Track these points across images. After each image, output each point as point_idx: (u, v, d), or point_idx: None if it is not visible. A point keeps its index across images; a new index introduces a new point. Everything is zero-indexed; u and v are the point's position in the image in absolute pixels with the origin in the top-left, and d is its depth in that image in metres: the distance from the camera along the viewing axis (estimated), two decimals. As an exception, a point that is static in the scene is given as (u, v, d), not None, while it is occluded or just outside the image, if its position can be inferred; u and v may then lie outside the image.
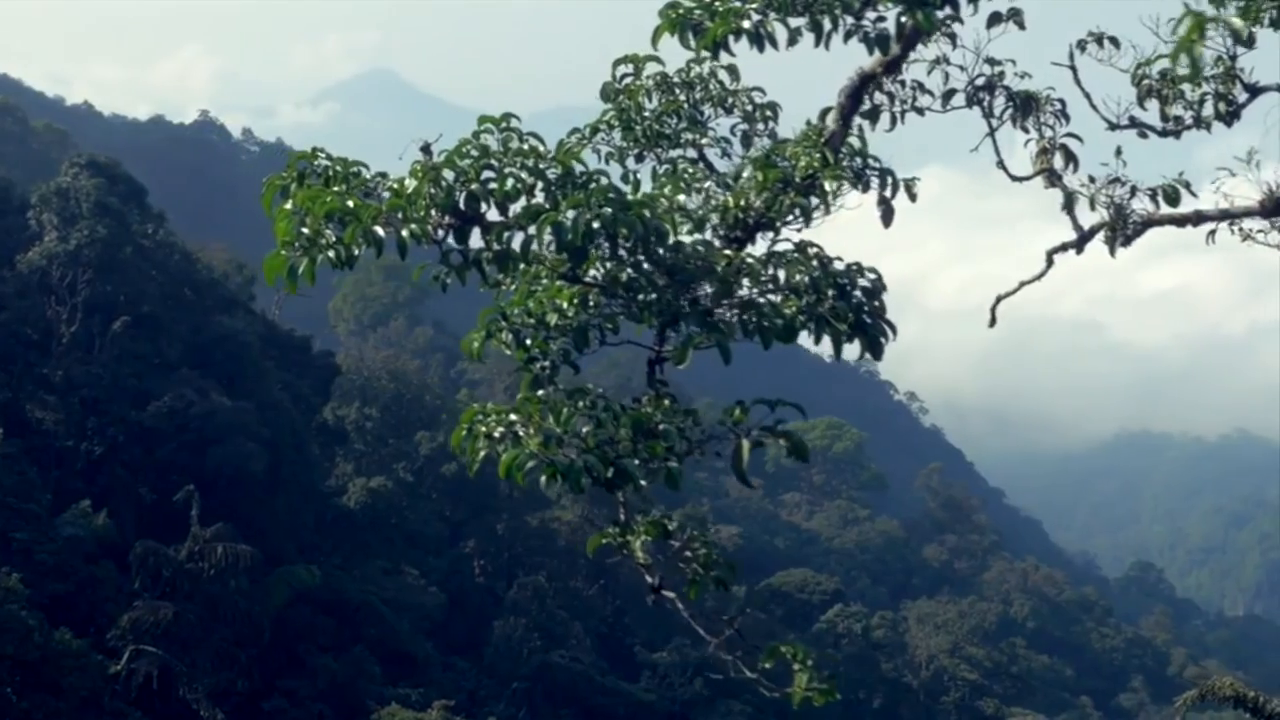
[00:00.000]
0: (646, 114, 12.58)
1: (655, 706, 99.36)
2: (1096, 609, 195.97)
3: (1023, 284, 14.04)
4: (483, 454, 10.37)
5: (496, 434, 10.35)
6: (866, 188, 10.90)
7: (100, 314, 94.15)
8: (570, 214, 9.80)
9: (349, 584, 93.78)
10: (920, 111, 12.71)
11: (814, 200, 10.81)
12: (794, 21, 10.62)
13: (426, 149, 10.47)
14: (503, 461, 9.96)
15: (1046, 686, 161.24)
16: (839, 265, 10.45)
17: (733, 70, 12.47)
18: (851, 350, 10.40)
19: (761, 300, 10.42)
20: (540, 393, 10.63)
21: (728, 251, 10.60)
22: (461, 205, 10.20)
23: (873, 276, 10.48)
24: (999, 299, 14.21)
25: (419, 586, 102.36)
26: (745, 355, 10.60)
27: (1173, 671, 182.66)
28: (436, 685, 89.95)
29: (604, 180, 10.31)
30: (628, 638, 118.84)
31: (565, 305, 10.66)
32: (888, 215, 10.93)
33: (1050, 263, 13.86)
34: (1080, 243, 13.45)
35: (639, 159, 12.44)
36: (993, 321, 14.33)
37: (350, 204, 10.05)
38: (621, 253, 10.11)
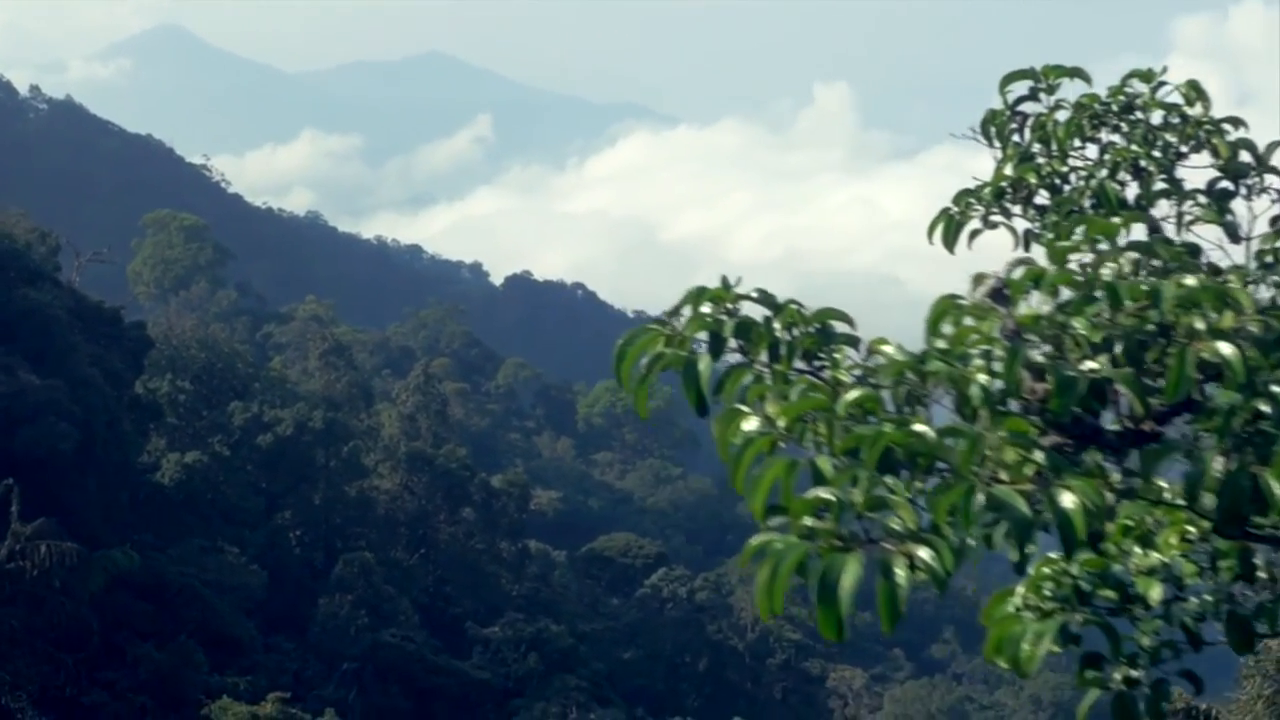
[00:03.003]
0: (1082, 168, 8.09)
1: (490, 684, 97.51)
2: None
3: None
4: None
5: None
6: None
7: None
8: None
9: (167, 566, 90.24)
10: None
11: None
12: None
13: (995, 291, 5.56)
14: None
15: (862, 641, 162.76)
16: None
17: (1197, 89, 8.15)
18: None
19: None
20: None
21: None
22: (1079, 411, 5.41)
23: None
24: None
25: (239, 565, 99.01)
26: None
27: (982, 621, 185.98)
28: (263, 670, 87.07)
29: None
30: (451, 608, 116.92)
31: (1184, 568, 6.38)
32: None
33: None
34: None
35: None
36: None
37: (921, 430, 5.00)
38: None
